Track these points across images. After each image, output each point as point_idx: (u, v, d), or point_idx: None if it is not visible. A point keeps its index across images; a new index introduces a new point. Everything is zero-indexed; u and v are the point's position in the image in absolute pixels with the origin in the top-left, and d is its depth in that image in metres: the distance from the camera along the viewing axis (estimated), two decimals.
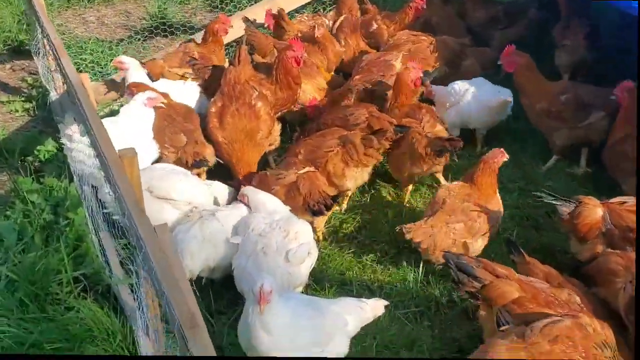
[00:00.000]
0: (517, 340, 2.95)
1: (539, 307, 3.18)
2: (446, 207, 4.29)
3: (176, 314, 2.37)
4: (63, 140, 4.92)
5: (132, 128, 4.95)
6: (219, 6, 8.29)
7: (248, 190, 4.47)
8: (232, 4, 8.08)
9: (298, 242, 4.00)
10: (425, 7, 6.65)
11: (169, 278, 2.53)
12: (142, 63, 5.98)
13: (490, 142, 5.61)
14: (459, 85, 5.60)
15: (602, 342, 2.95)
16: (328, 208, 4.48)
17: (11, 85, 7.06)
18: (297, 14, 7.44)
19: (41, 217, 4.65)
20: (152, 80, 5.79)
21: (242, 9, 7.70)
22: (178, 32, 7.68)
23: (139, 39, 7.69)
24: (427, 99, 5.66)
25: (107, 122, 4.52)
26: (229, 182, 5.16)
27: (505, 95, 5.46)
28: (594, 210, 3.89)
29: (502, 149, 4.43)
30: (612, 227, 3.83)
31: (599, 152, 5.05)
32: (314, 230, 4.43)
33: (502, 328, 3.11)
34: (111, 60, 6.57)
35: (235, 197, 4.71)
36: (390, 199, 5.18)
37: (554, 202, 3.87)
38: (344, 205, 5.07)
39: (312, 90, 5.79)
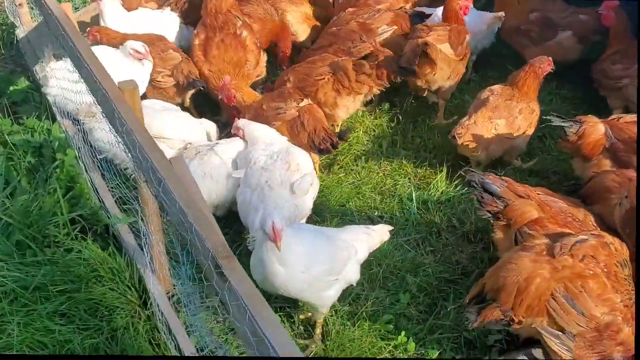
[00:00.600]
0: (542, 254, 2.99)
1: (559, 227, 3.21)
2: (489, 104, 4.37)
3: (209, 244, 2.31)
4: (42, 79, 4.68)
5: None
6: None
7: (243, 122, 4.34)
8: None
9: (300, 173, 3.95)
10: None
11: (194, 210, 2.46)
12: None
13: (479, 69, 5.58)
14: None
15: (624, 260, 3.02)
16: (334, 147, 4.33)
17: None
18: None
19: (25, 159, 4.49)
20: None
21: None
22: None
23: None
24: None
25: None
26: (215, 118, 5.03)
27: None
28: (596, 127, 3.91)
29: (550, 58, 4.45)
30: (615, 140, 3.88)
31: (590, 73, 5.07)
32: None
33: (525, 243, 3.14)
34: None
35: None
36: (383, 128, 5.12)
37: (563, 124, 3.87)
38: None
39: (296, 21, 5.56)
